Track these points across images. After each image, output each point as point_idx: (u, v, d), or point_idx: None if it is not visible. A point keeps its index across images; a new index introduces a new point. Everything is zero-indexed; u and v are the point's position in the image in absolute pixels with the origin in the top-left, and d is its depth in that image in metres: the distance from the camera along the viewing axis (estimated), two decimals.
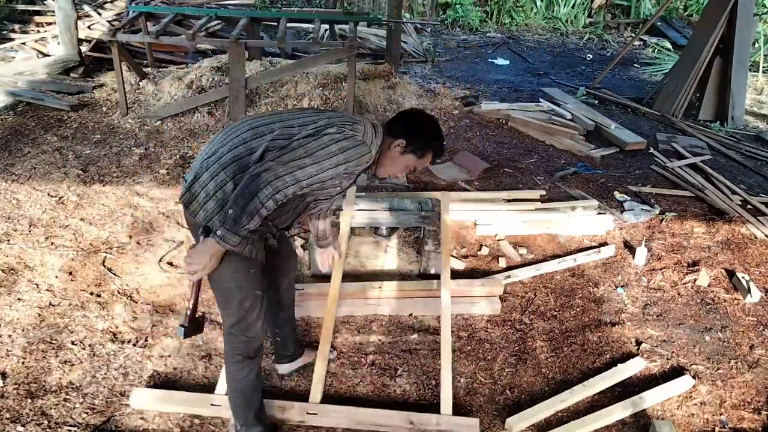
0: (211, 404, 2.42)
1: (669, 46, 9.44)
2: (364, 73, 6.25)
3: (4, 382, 2.52)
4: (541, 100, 6.40)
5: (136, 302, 3.08)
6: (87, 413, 2.40)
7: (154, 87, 5.99)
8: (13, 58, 6.59)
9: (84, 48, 6.56)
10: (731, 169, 5.10)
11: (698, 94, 6.37)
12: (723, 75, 6.20)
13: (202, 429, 2.37)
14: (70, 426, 2.34)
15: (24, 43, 6.82)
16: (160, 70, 6.44)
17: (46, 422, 2.35)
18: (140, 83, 6.08)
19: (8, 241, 3.48)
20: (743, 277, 3.39)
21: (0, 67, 6.19)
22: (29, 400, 2.44)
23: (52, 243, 3.49)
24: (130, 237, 3.61)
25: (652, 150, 5.35)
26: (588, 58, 9.14)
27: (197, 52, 7.05)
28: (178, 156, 4.74)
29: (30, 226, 3.65)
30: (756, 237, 3.91)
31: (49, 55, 6.53)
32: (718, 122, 6.23)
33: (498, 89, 7.14)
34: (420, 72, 7.71)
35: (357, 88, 5.75)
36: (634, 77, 8.19)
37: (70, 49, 6.32)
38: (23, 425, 2.33)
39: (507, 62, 8.61)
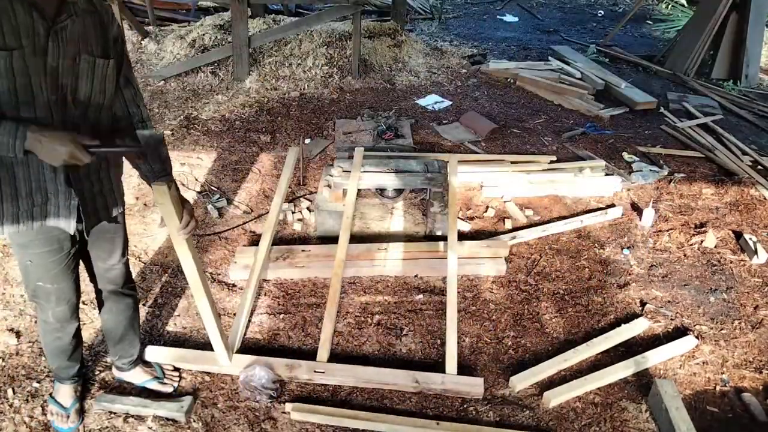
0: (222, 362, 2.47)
1: (683, 1, 9.17)
2: (369, 30, 6.12)
3: (18, 341, 2.57)
4: (550, 58, 6.26)
5: (145, 263, 3.11)
6: (100, 370, 2.46)
7: (156, 46, 5.90)
8: None
9: None
10: (743, 129, 5.01)
11: (712, 52, 6.22)
12: (738, 31, 6.03)
13: (212, 385, 2.42)
14: (84, 382, 2.39)
15: None
16: (162, 28, 6.34)
17: None
18: (142, 42, 5.99)
19: None
20: (750, 239, 3.37)
21: None
22: (43, 358, 2.49)
23: None
24: (137, 198, 3.62)
25: (662, 110, 5.26)
26: (599, 15, 8.90)
27: (199, 9, 6.91)
28: (182, 117, 4.71)
29: None
30: (765, 198, 3.88)
31: None
32: (732, 81, 6.10)
33: (506, 47, 6.99)
34: (426, 29, 7.55)
35: (362, 46, 5.64)
36: (647, 34, 7.98)
37: None
38: (38, 382, 2.39)
39: (516, 19, 8.40)
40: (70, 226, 1.81)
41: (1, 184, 1.69)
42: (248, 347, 2.63)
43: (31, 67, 1.54)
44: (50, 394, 2.27)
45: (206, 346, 2.50)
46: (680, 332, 2.80)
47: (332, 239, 3.22)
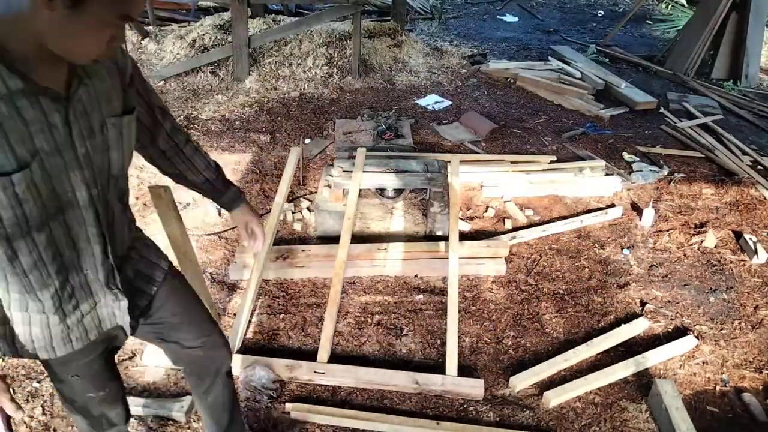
0: None
1: (683, 1, 9.17)
2: (369, 30, 6.12)
3: None
4: (550, 58, 6.26)
5: None
6: None
7: (156, 46, 5.90)
8: None
9: None
10: (743, 129, 5.01)
11: (712, 52, 6.22)
12: (738, 31, 6.03)
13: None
14: None
15: None
16: (162, 28, 6.33)
17: None
18: (142, 42, 5.99)
19: None
20: (750, 239, 3.37)
21: None
22: None
23: None
24: (137, 198, 3.62)
25: (662, 110, 5.26)
26: (599, 15, 8.90)
27: (199, 9, 6.91)
28: (182, 117, 4.70)
29: None
30: (765, 198, 3.88)
31: None
32: (732, 81, 6.10)
33: (506, 47, 6.99)
34: (426, 29, 7.54)
35: (362, 46, 5.64)
36: (647, 34, 7.98)
37: None
38: (39, 382, 2.39)
39: (516, 19, 8.40)
40: (126, 327, 1.45)
41: (42, 300, 1.26)
42: (248, 347, 2.63)
43: (55, 170, 1.14)
44: None
45: None
46: (680, 332, 2.80)
47: (332, 239, 3.22)
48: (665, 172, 4.17)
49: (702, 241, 3.43)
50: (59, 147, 1.14)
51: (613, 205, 3.74)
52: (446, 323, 2.69)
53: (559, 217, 3.63)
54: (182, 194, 3.67)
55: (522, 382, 2.48)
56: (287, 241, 3.34)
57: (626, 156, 4.40)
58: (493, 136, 4.63)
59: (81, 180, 1.20)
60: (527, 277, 3.14)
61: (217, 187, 1.66)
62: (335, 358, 2.57)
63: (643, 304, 2.99)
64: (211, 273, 3.06)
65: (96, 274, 1.32)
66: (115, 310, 1.39)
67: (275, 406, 2.33)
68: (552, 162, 4.17)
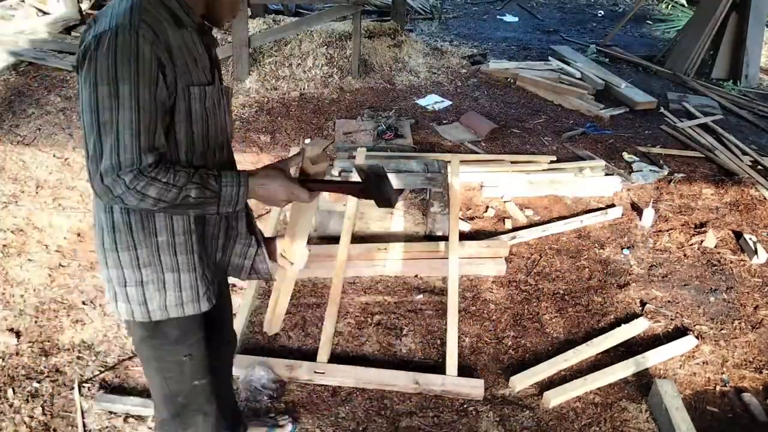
0: None
1: (683, 1, 9.17)
2: (369, 30, 6.12)
3: (18, 341, 2.57)
4: (550, 58, 6.26)
5: None
6: (100, 370, 2.46)
7: None
8: (13, 16, 6.48)
9: (84, 5, 6.43)
10: (743, 129, 5.02)
11: (712, 52, 6.22)
12: (738, 31, 6.04)
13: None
14: (84, 382, 2.40)
15: (23, 1, 6.69)
16: None
17: (60, 379, 2.41)
18: None
19: (16, 202, 3.50)
20: (750, 239, 3.38)
21: (0, 25, 6.10)
22: (43, 358, 2.49)
23: (59, 204, 3.51)
24: None
25: (662, 110, 5.26)
26: (599, 15, 8.90)
27: None
28: None
29: (37, 187, 3.66)
30: (765, 198, 3.88)
31: (48, 13, 6.41)
32: (732, 81, 6.10)
33: (506, 47, 6.99)
34: (426, 29, 7.54)
35: (362, 46, 5.64)
36: (647, 34, 7.98)
37: (70, 7, 6.20)
38: (39, 382, 2.39)
39: (516, 19, 8.40)
40: (241, 277, 1.58)
41: (193, 253, 1.37)
42: (248, 347, 2.63)
43: (217, 106, 1.32)
44: None
45: None
46: (680, 332, 2.81)
47: (332, 239, 3.22)
48: (665, 172, 4.17)
49: (702, 241, 3.44)
50: (216, 86, 1.32)
51: (613, 205, 3.74)
52: (446, 323, 2.69)
53: (559, 217, 3.63)
54: None
55: (522, 382, 2.48)
56: None
57: (626, 156, 4.40)
58: (493, 136, 4.63)
59: (227, 128, 1.38)
60: (527, 277, 3.14)
61: None
62: (335, 358, 2.57)
63: (643, 304, 2.99)
64: None
65: (236, 218, 1.48)
66: (238, 261, 1.54)
67: (275, 406, 2.33)
68: (552, 162, 4.17)
